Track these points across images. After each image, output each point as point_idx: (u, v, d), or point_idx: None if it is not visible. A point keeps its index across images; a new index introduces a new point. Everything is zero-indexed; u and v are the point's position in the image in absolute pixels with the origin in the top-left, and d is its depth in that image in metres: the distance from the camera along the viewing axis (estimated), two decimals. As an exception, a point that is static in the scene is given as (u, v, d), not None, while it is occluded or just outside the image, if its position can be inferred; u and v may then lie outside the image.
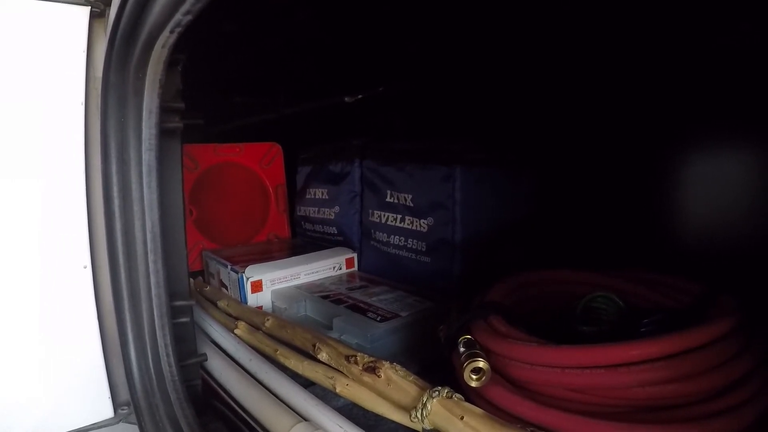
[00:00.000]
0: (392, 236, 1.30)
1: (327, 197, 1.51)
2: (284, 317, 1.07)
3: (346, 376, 0.77)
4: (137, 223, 0.72)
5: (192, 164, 1.52)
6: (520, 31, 1.19)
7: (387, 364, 0.70)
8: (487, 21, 1.20)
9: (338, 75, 1.67)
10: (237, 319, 1.08)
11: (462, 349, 0.71)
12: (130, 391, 0.75)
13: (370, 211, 1.37)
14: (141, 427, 0.74)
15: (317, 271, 1.32)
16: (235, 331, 1.03)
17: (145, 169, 0.71)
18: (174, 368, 0.75)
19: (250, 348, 0.95)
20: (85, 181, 0.73)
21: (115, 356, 0.77)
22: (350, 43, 1.47)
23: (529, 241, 1.24)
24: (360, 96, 1.67)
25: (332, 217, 1.49)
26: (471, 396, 0.67)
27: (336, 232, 1.49)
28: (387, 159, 1.31)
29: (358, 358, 0.74)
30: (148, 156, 0.70)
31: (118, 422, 0.78)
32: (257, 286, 1.22)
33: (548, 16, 1.09)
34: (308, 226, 1.63)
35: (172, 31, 0.61)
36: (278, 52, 1.55)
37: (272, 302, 1.23)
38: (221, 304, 1.18)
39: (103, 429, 0.77)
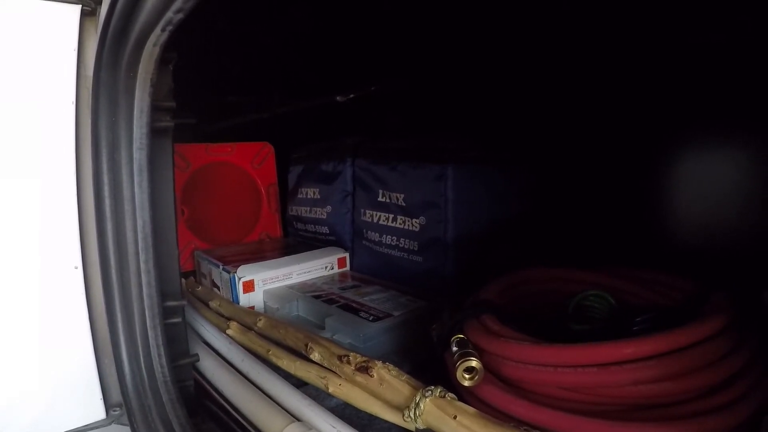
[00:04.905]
0: (384, 236, 1.29)
1: (319, 197, 1.51)
2: (276, 317, 1.07)
3: (338, 375, 0.77)
4: (128, 223, 0.72)
5: (183, 164, 1.52)
6: (517, 29, 1.19)
7: (380, 364, 0.70)
8: (483, 18, 1.20)
9: (332, 73, 1.67)
10: (229, 319, 1.08)
11: (455, 349, 0.71)
12: (121, 392, 0.74)
13: (362, 210, 1.36)
14: (133, 428, 0.73)
15: (309, 271, 1.32)
16: (228, 331, 1.03)
17: (136, 168, 0.70)
18: (166, 369, 0.75)
19: (242, 348, 0.94)
20: (76, 180, 0.72)
21: (106, 357, 0.76)
22: (344, 41, 1.47)
23: (523, 239, 1.24)
24: (352, 95, 1.67)
25: (324, 217, 1.49)
26: (464, 395, 0.67)
27: (328, 231, 1.49)
28: (379, 158, 1.31)
29: (351, 357, 0.74)
30: (139, 155, 0.70)
31: (110, 423, 0.78)
32: (249, 286, 1.22)
33: (544, 14, 1.10)
34: (300, 225, 1.63)
35: (163, 30, 0.61)
36: (271, 50, 1.55)
37: (264, 302, 1.23)
38: (213, 304, 1.17)
39: (95, 431, 0.77)
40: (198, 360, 0.90)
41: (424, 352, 0.87)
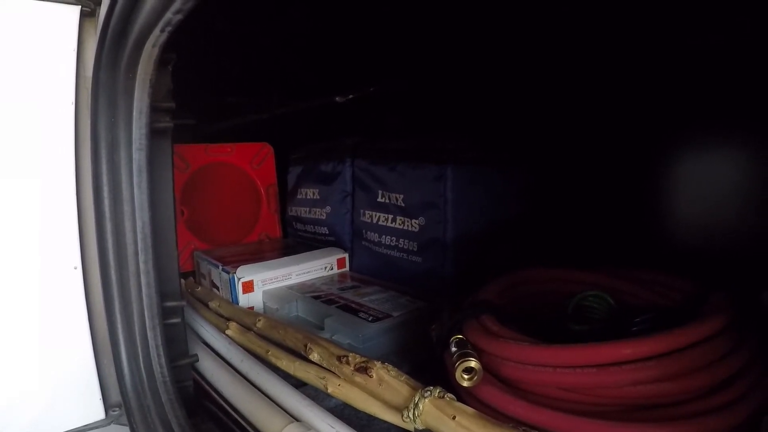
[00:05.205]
0: (384, 236, 1.30)
1: (318, 197, 1.51)
2: (276, 318, 1.06)
3: (337, 376, 0.77)
4: (128, 224, 0.72)
5: (183, 164, 1.52)
6: (516, 29, 1.19)
7: (379, 364, 0.70)
8: (482, 19, 1.20)
9: (331, 74, 1.67)
10: (228, 319, 1.08)
11: (454, 349, 0.71)
12: (121, 393, 0.74)
13: (362, 211, 1.37)
14: (132, 429, 0.73)
15: (309, 272, 1.32)
16: (227, 331, 1.03)
17: (135, 169, 0.70)
18: (165, 369, 0.75)
19: (241, 349, 0.94)
20: (76, 181, 0.72)
21: (105, 357, 0.76)
22: (343, 42, 1.47)
23: (522, 239, 1.24)
24: (351, 96, 1.67)
25: (324, 218, 1.49)
26: (463, 396, 0.67)
27: (327, 232, 1.49)
28: (378, 158, 1.31)
29: (350, 358, 0.74)
30: (139, 156, 0.70)
31: (109, 423, 0.78)
32: (248, 287, 1.22)
33: (544, 14, 1.10)
34: (300, 226, 1.63)
35: (162, 30, 0.61)
36: (271, 51, 1.55)
37: (264, 303, 1.23)
38: (212, 304, 1.17)
39: (95, 431, 0.77)
40: (197, 360, 0.90)
41: (424, 352, 0.87)
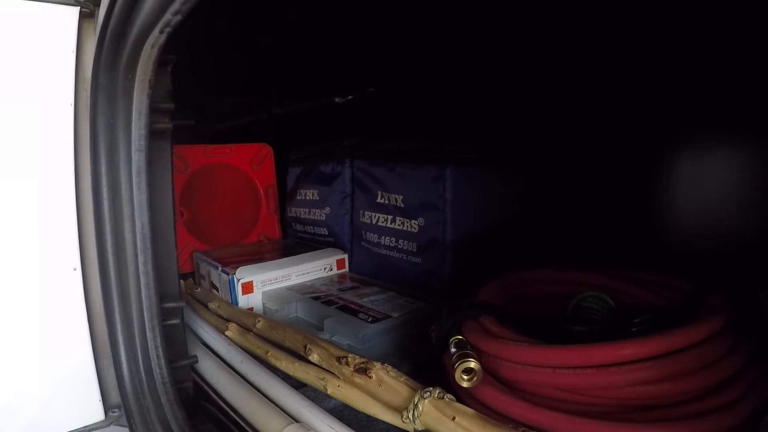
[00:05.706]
0: (383, 237, 1.29)
1: (318, 198, 1.51)
2: (275, 319, 1.06)
3: (337, 377, 0.77)
4: (127, 225, 0.72)
5: (182, 165, 1.52)
6: (515, 31, 1.19)
7: (378, 365, 0.70)
8: (480, 20, 1.20)
9: (330, 75, 1.67)
10: (228, 320, 1.07)
11: (453, 350, 0.71)
12: (120, 394, 0.74)
13: (361, 211, 1.36)
14: (132, 430, 0.73)
15: (308, 273, 1.32)
16: (226, 332, 1.03)
17: (134, 170, 0.70)
18: (165, 370, 0.75)
19: (241, 350, 0.94)
20: (75, 182, 0.73)
21: (105, 359, 0.76)
22: (342, 43, 1.47)
23: (521, 240, 1.24)
24: (350, 97, 1.67)
25: (323, 218, 1.49)
26: (462, 396, 0.67)
27: (327, 233, 1.49)
28: (377, 159, 1.31)
29: (350, 359, 0.74)
30: (138, 157, 0.70)
31: (108, 425, 0.78)
32: (248, 288, 1.21)
33: (541, 16, 1.10)
34: (299, 227, 1.63)
35: (161, 32, 0.61)
36: (270, 52, 1.55)
37: (263, 304, 1.23)
38: (212, 305, 1.17)
39: (94, 432, 0.77)
40: (197, 361, 0.90)
41: (423, 353, 0.87)
